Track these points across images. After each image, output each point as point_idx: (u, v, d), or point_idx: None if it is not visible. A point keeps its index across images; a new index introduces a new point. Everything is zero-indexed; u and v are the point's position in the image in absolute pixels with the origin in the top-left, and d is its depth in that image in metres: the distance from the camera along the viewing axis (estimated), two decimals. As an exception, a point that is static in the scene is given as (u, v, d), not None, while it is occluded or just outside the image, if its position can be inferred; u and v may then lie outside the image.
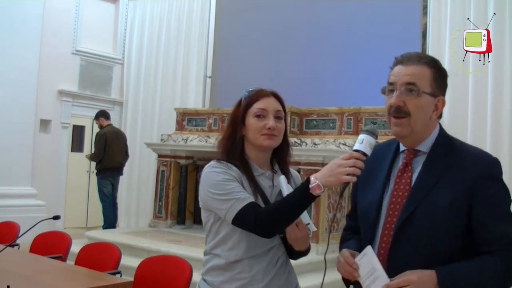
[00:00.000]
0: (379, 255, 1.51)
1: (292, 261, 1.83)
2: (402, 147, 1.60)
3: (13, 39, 7.42)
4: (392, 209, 1.53)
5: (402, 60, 1.54)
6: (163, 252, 4.90)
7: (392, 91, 1.53)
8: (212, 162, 1.77)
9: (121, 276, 3.07)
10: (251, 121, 1.76)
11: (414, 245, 1.46)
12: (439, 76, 1.55)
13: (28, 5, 7.63)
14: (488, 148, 5.58)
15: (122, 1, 9.15)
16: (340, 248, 1.67)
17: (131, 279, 2.91)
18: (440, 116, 1.58)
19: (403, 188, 1.53)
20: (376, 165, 1.53)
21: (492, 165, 1.51)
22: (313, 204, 5.37)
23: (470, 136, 5.74)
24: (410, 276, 1.40)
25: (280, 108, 1.79)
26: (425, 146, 1.55)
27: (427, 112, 1.52)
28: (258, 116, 1.75)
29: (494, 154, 5.63)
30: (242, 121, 1.77)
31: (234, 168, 1.73)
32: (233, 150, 1.77)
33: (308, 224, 1.69)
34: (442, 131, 1.59)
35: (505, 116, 5.58)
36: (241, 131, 1.77)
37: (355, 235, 1.68)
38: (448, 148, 1.54)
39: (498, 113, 5.61)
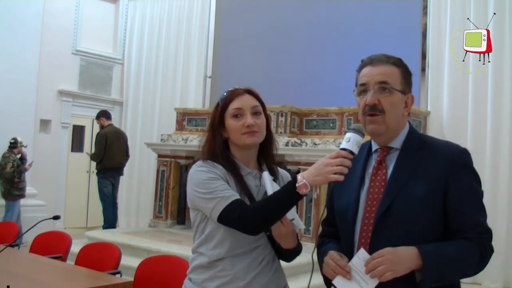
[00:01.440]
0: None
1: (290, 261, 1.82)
2: (374, 147, 1.64)
3: (13, 39, 7.43)
4: (369, 205, 1.55)
5: (371, 61, 1.59)
6: (163, 252, 4.90)
7: (364, 91, 1.57)
8: (198, 162, 1.77)
9: (121, 276, 3.07)
10: (230, 123, 1.75)
11: (393, 238, 1.48)
12: (407, 74, 1.60)
13: (28, 5, 7.63)
14: (488, 148, 5.59)
15: (122, 1, 9.16)
16: (319, 253, 1.67)
17: (131, 279, 2.91)
18: (409, 114, 1.64)
19: (379, 184, 1.56)
20: (351, 167, 1.53)
21: (464, 155, 1.55)
22: (313, 204, 5.40)
23: (470, 136, 5.75)
24: (385, 249, 1.43)
25: (256, 103, 1.78)
26: (397, 142, 1.60)
27: (399, 109, 1.58)
28: (235, 116, 1.75)
29: (494, 154, 5.66)
30: (221, 124, 1.77)
31: (220, 167, 1.72)
32: (217, 152, 1.76)
33: (293, 219, 1.67)
34: (411, 128, 1.63)
35: (505, 116, 5.59)
36: (222, 133, 1.77)
37: (333, 239, 1.69)
38: (419, 142, 1.59)
39: (498, 113, 5.62)
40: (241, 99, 1.77)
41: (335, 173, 1.47)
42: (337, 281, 1.50)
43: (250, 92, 1.81)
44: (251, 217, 1.60)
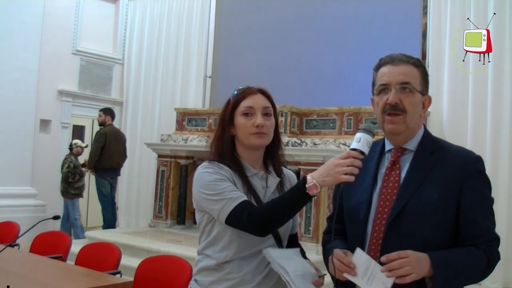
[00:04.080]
0: (370, 251, 1.53)
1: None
2: (388, 146, 1.63)
3: (13, 39, 7.42)
4: (381, 206, 1.54)
5: (392, 60, 1.58)
6: (163, 252, 4.91)
7: (384, 90, 1.56)
8: (204, 163, 1.75)
9: (121, 276, 3.07)
10: (240, 120, 1.74)
11: (405, 240, 1.48)
12: (425, 75, 1.61)
13: (28, 5, 7.62)
14: (488, 148, 5.58)
15: (122, 1, 9.15)
16: (324, 251, 1.67)
17: (131, 279, 2.91)
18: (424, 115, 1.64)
19: (392, 185, 1.56)
20: (363, 166, 1.51)
21: (478, 162, 1.56)
22: (313, 204, 5.40)
23: (470, 136, 5.74)
24: (408, 251, 1.43)
25: (268, 104, 1.77)
26: (412, 144, 1.59)
27: (419, 110, 1.58)
28: (245, 115, 1.73)
29: (494, 154, 5.67)
30: (230, 121, 1.75)
31: (226, 168, 1.71)
32: (224, 150, 1.75)
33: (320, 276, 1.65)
34: (426, 131, 1.63)
35: (505, 116, 5.58)
36: (231, 130, 1.76)
37: (339, 237, 1.68)
38: (433, 146, 1.59)
39: (498, 113, 5.61)
40: (253, 98, 1.76)
41: (346, 174, 1.44)
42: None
43: (263, 92, 1.79)
44: (260, 218, 1.58)
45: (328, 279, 1.62)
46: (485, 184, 1.55)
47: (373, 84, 1.61)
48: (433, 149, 1.57)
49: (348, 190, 1.63)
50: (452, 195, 1.49)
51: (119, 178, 7.67)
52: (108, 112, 7.31)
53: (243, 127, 1.73)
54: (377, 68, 1.61)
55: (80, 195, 7.25)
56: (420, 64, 1.59)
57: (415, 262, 1.41)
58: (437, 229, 1.49)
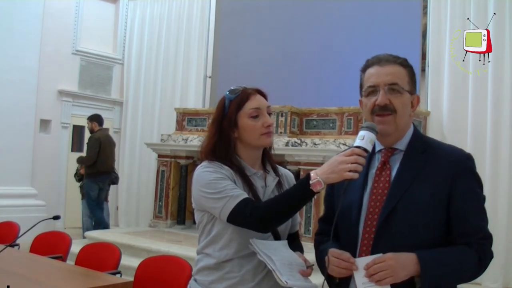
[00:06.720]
0: (361, 252, 1.53)
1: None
2: (378, 147, 1.62)
3: (13, 39, 7.42)
4: (372, 207, 1.54)
5: (378, 61, 1.58)
6: (163, 252, 4.91)
7: (373, 92, 1.56)
8: (203, 163, 1.75)
9: (121, 276, 3.07)
10: (247, 123, 1.73)
11: (396, 240, 1.48)
12: (412, 75, 1.61)
13: (28, 5, 7.63)
14: (488, 148, 5.59)
15: (122, 1, 9.15)
16: (317, 252, 1.67)
17: (131, 279, 2.91)
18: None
19: (383, 185, 1.55)
20: None
21: (468, 160, 1.55)
22: (313, 204, 5.40)
23: (470, 136, 5.74)
24: (387, 254, 1.44)
25: (268, 103, 1.79)
26: (402, 144, 1.59)
27: (408, 109, 1.58)
28: (253, 117, 1.73)
29: (494, 154, 5.67)
30: (234, 123, 1.74)
31: (226, 167, 1.71)
32: (224, 152, 1.74)
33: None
34: (415, 129, 1.63)
35: (505, 116, 5.59)
36: (233, 133, 1.75)
37: (332, 238, 1.67)
38: (423, 145, 1.59)
39: (498, 113, 5.62)
40: (257, 99, 1.76)
41: (350, 171, 1.45)
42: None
43: (260, 92, 1.80)
44: (263, 214, 1.59)
45: (319, 280, 1.61)
46: (476, 182, 1.55)
47: (361, 86, 1.61)
48: (423, 148, 1.57)
49: (338, 191, 1.63)
50: (443, 193, 1.49)
51: (119, 178, 7.66)
52: (93, 118, 7.28)
53: (253, 128, 1.73)
54: (364, 69, 1.61)
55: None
56: (407, 64, 1.59)
57: (392, 267, 1.41)
58: (428, 228, 1.49)
